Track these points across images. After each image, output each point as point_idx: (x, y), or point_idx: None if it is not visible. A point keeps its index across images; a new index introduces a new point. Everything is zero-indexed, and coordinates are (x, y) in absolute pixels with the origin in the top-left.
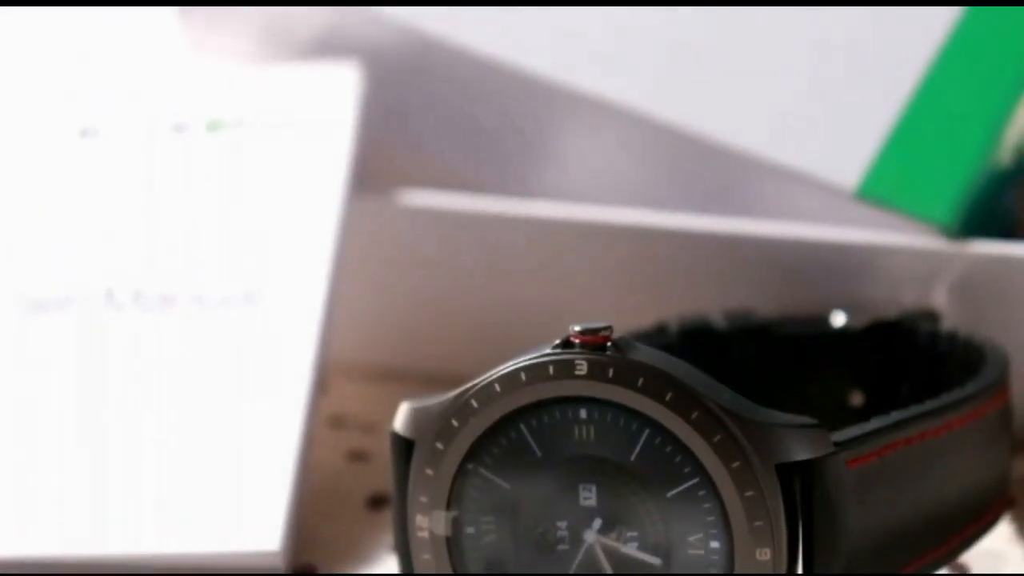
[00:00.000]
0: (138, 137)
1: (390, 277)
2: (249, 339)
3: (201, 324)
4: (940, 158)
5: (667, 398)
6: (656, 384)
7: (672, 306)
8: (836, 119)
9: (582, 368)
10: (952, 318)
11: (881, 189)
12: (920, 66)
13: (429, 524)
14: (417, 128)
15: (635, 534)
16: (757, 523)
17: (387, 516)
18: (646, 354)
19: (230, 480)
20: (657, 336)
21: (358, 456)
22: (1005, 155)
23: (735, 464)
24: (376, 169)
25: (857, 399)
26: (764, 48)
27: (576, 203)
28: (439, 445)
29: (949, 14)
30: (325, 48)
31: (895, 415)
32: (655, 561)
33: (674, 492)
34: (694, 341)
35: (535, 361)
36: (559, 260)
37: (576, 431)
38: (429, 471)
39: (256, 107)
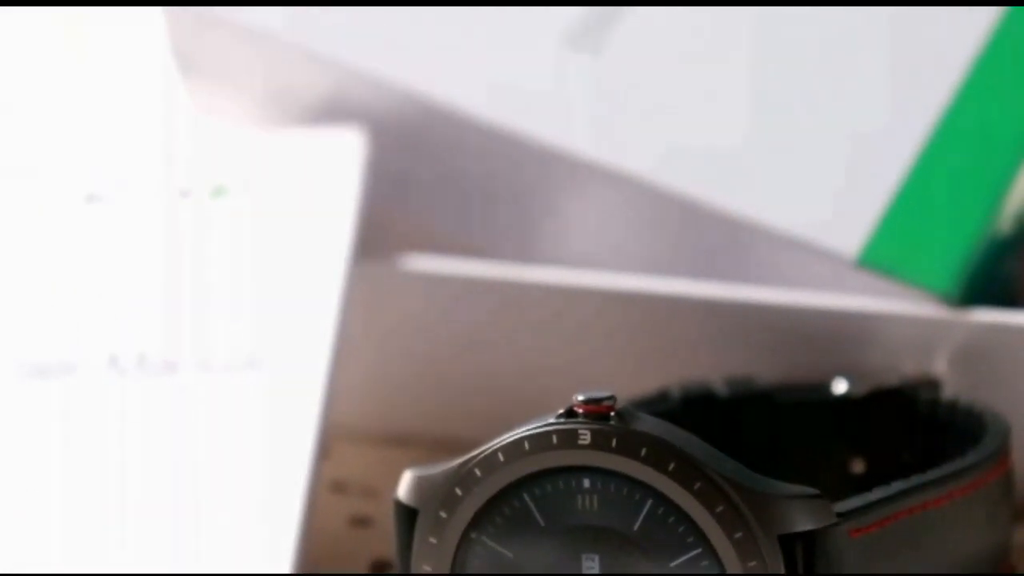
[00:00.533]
0: (143, 202)
1: (393, 342)
2: (252, 405)
3: (204, 390)
4: (941, 227)
5: (670, 468)
6: (659, 454)
7: (674, 371)
8: (837, 187)
9: (585, 438)
10: (953, 386)
11: (882, 257)
12: (921, 135)
13: None
14: (420, 193)
15: None
16: None
17: None
18: (649, 424)
19: (233, 545)
20: (659, 402)
21: (360, 522)
22: (1005, 223)
23: (738, 535)
24: (379, 234)
25: (858, 466)
26: (765, 114)
27: (578, 268)
28: (443, 514)
29: (950, 84)
30: (329, 112)
31: (897, 485)
32: None
33: (677, 562)
34: (696, 407)
35: (538, 431)
36: (561, 325)
37: (579, 501)
38: (432, 539)
39: (261, 172)
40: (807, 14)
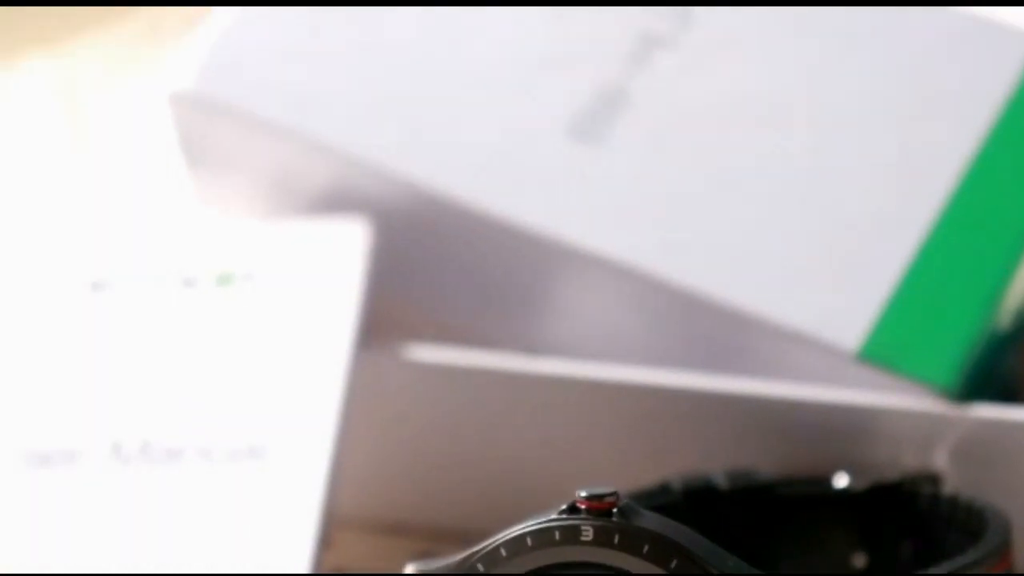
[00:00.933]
0: (148, 291)
1: (396, 432)
2: (254, 493)
3: (207, 478)
4: (941, 321)
5: (672, 565)
6: (661, 551)
7: (675, 463)
8: (837, 280)
9: (588, 534)
10: (953, 481)
11: (882, 352)
12: (921, 229)
13: None
14: (423, 282)
15: None
16: None
17: None
18: (651, 520)
19: None
20: (660, 495)
21: None
22: (1006, 318)
23: None
24: (383, 322)
25: (859, 561)
26: (765, 207)
27: (580, 359)
28: None
29: (950, 178)
30: (334, 201)
31: None
32: None
33: None
34: (697, 500)
35: (541, 526)
36: (563, 416)
37: None
38: None
39: (265, 262)
40: (807, 108)
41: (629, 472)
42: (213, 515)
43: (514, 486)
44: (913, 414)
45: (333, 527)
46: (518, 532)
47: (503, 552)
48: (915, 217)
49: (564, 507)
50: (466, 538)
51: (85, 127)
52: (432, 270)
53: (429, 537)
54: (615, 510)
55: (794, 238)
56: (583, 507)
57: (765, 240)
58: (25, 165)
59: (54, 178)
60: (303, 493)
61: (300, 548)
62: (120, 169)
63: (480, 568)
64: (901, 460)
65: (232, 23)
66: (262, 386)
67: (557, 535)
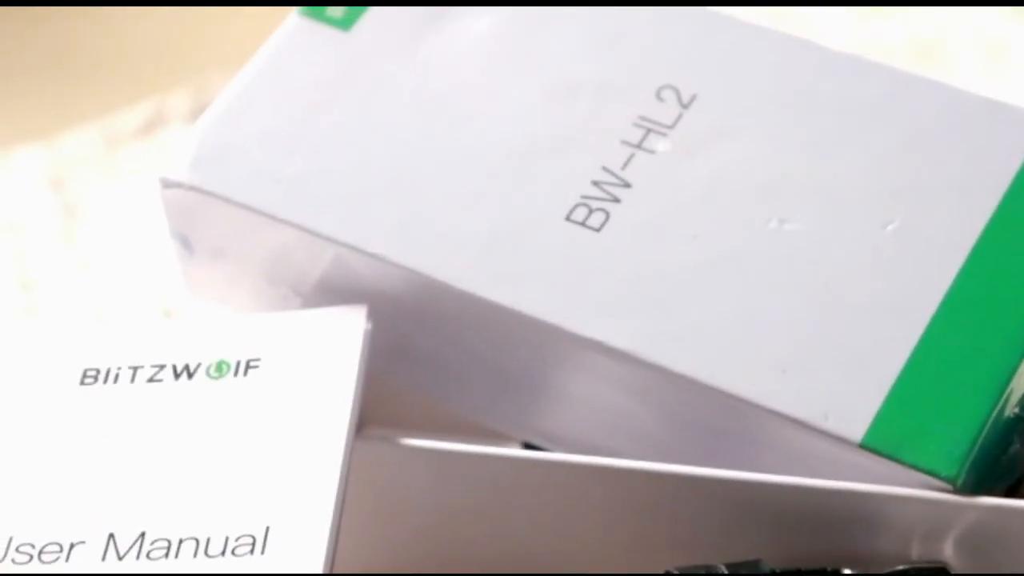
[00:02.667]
0: (142, 382)
1: (394, 519)
2: None
3: (203, 572)
4: (945, 410)
5: None
6: None
7: (677, 552)
8: (840, 368)
9: None
10: (960, 570)
11: (885, 440)
12: (925, 316)
13: None
14: (421, 368)
15: None
16: None
17: None
18: None
19: None
20: None
21: None
22: (1012, 405)
23: None
24: (381, 409)
25: None
26: (769, 295)
27: (581, 446)
28: None
29: (952, 266)
30: (329, 289)
31: None
32: None
33: None
34: None
35: None
36: (564, 503)
37: None
38: None
39: (263, 351)
40: (809, 192)
41: (631, 560)
42: None
43: (513, 573)
44: (919, 502)
45: None
46: None
47: None
48: (918, 303)
49: None
50: None
51: (77, 217)
52: (431, 356)
53: None
54: None
55: (796, 325)
56: None
57: (767, 326)
58: (16, 255)
59: (46, 268)
60: None
61: None
62: (112, 260)
63: None
64: (908, 550)
65: (225, 111)
66: (258, 477)
67: None
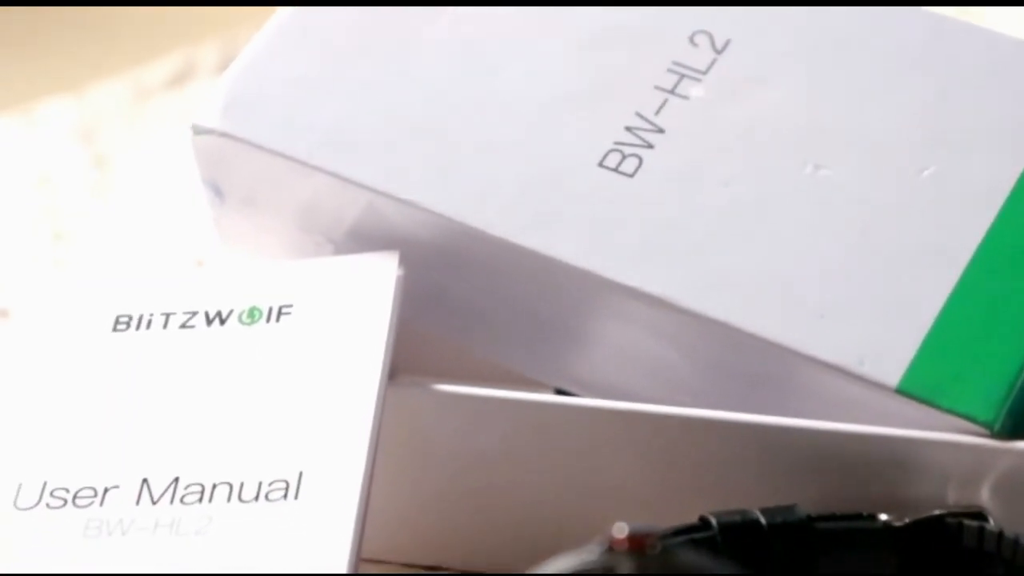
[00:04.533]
0: (175, 329)
1: (425, 467)
2: (285, 531)
3: (237, 515)
4: (982, 355)
5: None
6: None
7: (713, 496)
8: (877, 314)
9: (626, 573)
10: (998, 516)
11: (922, 386)
12: (962, 262)
13: None
14: (455, 315)
15: None
16: None
17: None
18: (691, 558)
19: None
20: (699, 531)
21: None
22: None
23: None
24: (414, 356)
25: None
26: (806, 240)
27: (614, 392)
28: None
29: (989, 211)
30: (363, 236)
31: None
32: None
33: None
34: (736, 536)
35: (579, 565)
36: (598, 450)
37: None
38: None
39: (295, 298)
40: (845, 139)
41: (665, 507)
42: (243, 553)
43: (546, 521)
44: (955, 447)
45: (365, 565)
46: (556, 570)
47: None
48: (955, 249)
49: (601, 545)
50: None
51: (107, 169)
52: (463, 302)
53: (461, 574)
54: (654, 548)
55: (832, 270)
56: (622, 545)
57: (803, 272)
58: (48, 207)
59: (77, 220)
60: (334, 531)
61: None
62: (143, 212)
63: None
64: (944, 494)
65: (257, 58)
66: (292, 422)
67: (596, 574)
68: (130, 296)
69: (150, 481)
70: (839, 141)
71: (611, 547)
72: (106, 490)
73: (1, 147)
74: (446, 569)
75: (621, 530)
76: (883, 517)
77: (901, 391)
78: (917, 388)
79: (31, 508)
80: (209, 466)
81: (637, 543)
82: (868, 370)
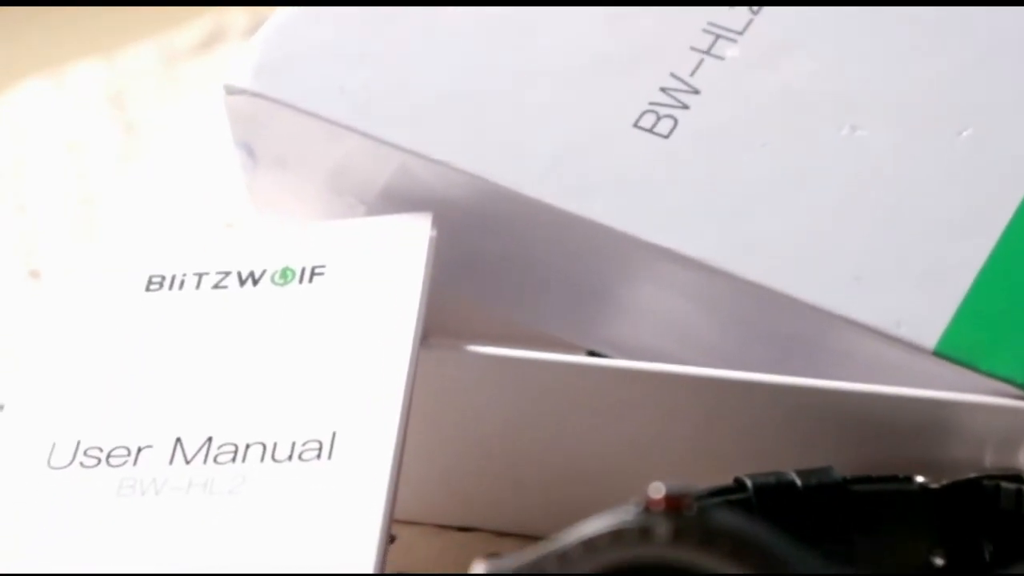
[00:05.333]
0: (208, 289)
1: (459, 429)
2: (319, 492)
3: (270, 476)
4: (1020, 317)
5: (751, 565)
6: (740, 550)
7: (748, 460)
8: (915, 276)
9: (663, 533)
10: None
11: (960, 348)
12: (1000, 225)
13: None
14: (488, 277)
15: None
16: None
17: None
18: (729, 518)
19: None
20: (735, 493)
21: None
22: None
23: None
24: (446, 319)
25: (939, 560)
26: (843, 202)
27: (648, 355)
28: None
29: None
30: (396, 198)
31: None
32: None
33: None
34: (772, 498)
35: (615, 525)
36: (631, 413)
37: None
38: None
39: (328, 259)
40: (882, 102)
41: (700, 469)
42: (276, 512)
43: (580, 484)
44: (993, 410)
45: (397, 526)
46: (592, 531)
47: (575, 551)
48: (994, 210)
49: (638, 505)
50: (531, 536)
51: (137, 133)
52: (496, 265)
53: (492, 534)
54: (691, 508)
55: (869, 232)
56: (658, 505)
57: (839, 234)
58: (78, 172)
59: (107, 184)
60: (367, 491)
61: (365, 545)
62: (173, 176)
63: (553, 568)
64: (981, 457)
65: (290, 20)
66: (325, 383)
67: (632, 534)
68: (163, 257)
69: (183, 441)
70: (876, 103)
71: (647, 507)
72: (139, 450)
73: (31, 111)
74: (479, 530)
75: (658, 490)
76: (919, 480)
77: (939, 353)
78: (955, 351)
79: (65, 467)
80: (242, 426)
81: (674, 503)
82: (905, 332)
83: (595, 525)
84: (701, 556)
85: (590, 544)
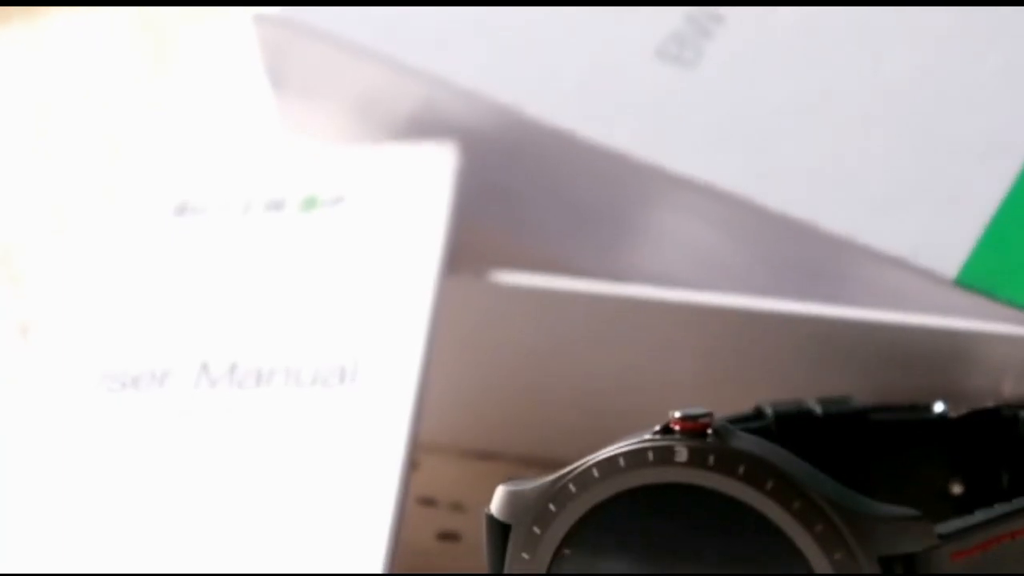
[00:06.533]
0: (234, 214)
1: (483, 357)
2: (342, 416)
3: (294, 401)
4: None
5: (768, 487)
6: (757, 473)
7: (768, 390)
8: (936, 205)
9: (682, 455)
10: None
11: (981, 277)
12: (1021, 152)
13: None
14: (511, 207)
15: None
16: None
17: None
18: (747, 442)
19: (322, 559)
20: (754, 420)
21: (449, 536)
22: None
23: (837, 555)
24: (470, 248)
25: (957, 488)
26: (865, 132)
27: (672, 285)
28: (536, 529)
29: None
30: (421, 126)
31: (999, 508)
32: None
33: None
34: (790, 427)
35: (634, 447)
36: (653, 341)
37: (674, 519)
38: (525, 555)
39: (352, 185)
40: (907, 29)
41: (721, 398)
42: (300, 438)
43: (601, 413)
44: (1012, 340)
45: (420, 452)
46: (611, 453)
47: (595, 473)
48: (1016, 139)
49: (658, 428)
50: (554, 464)
51: (170, 55)
52: (520, 195)
53: (515, 462)
54: (710, 431)
55: (892, 162)
56: (677, 428)
57: (862, 164)
58: (110, 95)
59: (139, 107)
60: (391, 417)
61: (388, 471)
62: (205, 96)
63: (572, 489)
64: (1000, 387)
65: None
66: (349, 310)
67: (650, 456)
68: (189, 181)
69: (208, 366)
70: (901, 29)
71: (666, 430)
72: (165, 374)
73: (59, 35)
74: (502, 457)
75: (676, 413)
76: (938, 409)
77: (960, 282)
78: (976, 279)
79: (90, 392)
80: (266, 351)
81: (691, 427)
82: (926, 261)
83: (614, 447)
84: (719, 479)
85: (608, 465)
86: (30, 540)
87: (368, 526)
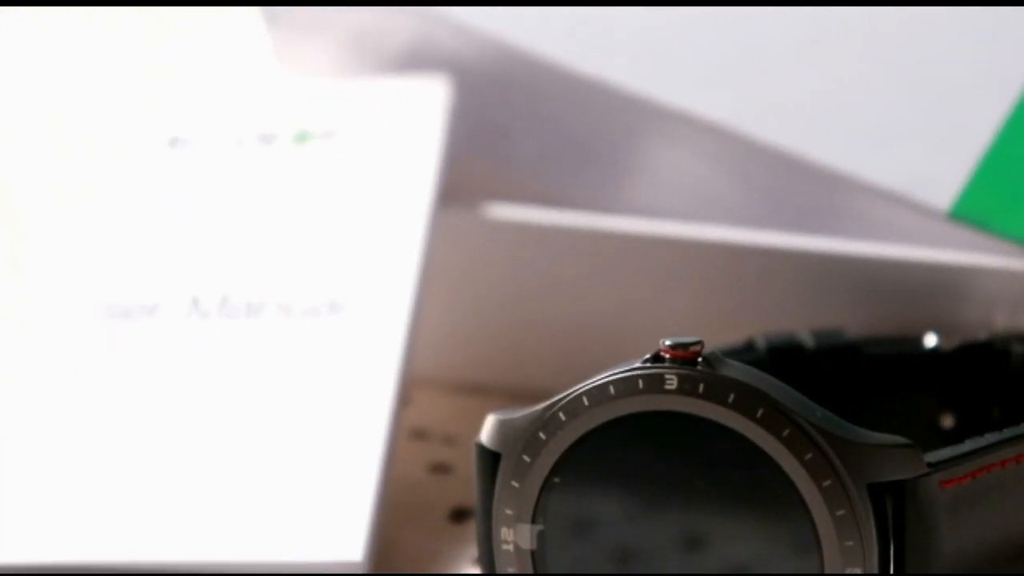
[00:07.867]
0: (226, 147)
1: (475, 290)
2: (333, 349)
3: (285, 333)
4: None
5: (758, 415)
6: (747, 400)
7: (760, 323)
8: (930, 139)
9: (672, 383)
10: None
11: (974, 210)
12: (1015, 88)
13: (514, 537)
14: (505, 140)
15: (722, 552)
16: (848, 543)
17: (469, 529)
18: (737, 370)
19: (312, 491)
20: (746, 352)
21: (440, 469)
22: None
23: (827, 483)
24: (463, 181)
25: (948, 421)
26: (858, 66)
27: (666, 219)
28: (526, 458)
29: None
30: (414, 60)
31: (989, 437)
32: None
33: (763, 510)
34: (782, 359)
35: (624, 375)
36: (645, 275)
37: (664, 447)
38: (515, 483)
39: (344, 119)
40: None
41: (713, 331)
42: (292, 370)
43: (593, 346)
44: (1005, 273)
45: (412, 386)
46: (601, 380)
47: (585, 401)
48: (1010, 74)
49: (648, 356)
50: (546, 398)
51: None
52: (513, 128)
53: (507, 396)
54: (700, 359)
55: (885, 95)
56: (667, 356)
57: (855, 97)
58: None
59: (132, 33)
60: (382, 349)
61: (379, 404)
62: (200, 25)
63: (562, 417)
64: (992, 320)
65: None
66: (341, 243)
67: (640, 383)
68: (183, 114)
69: (199, 298)
70: None
71: (656, 357)
72: (156, 305)
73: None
74: (493, 391)
75: (667, 341)
76: (930, 342)
77: (953, 215)
78: (969, 213)
79: (83, 322)
80: (258, 284)
81: (682, 354)
82: (920, 195)
83: (604, 375)
84: (709, 407)
85: (598, 393)
86: (17, 472)
87: (359, 457)
